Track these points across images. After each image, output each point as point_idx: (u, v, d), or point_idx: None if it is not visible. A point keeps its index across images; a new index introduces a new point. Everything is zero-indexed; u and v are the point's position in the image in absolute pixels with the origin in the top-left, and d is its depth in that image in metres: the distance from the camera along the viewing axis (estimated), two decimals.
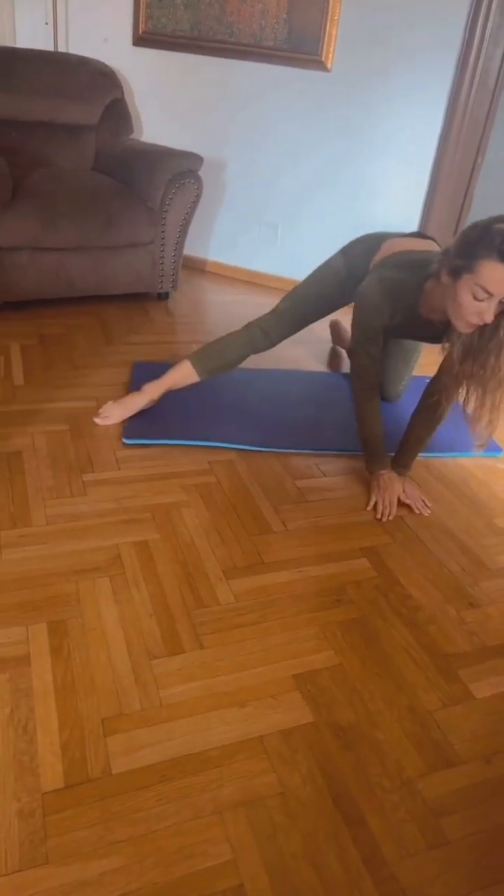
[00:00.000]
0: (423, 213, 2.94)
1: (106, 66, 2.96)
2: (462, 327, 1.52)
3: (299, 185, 3.09)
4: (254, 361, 2.45)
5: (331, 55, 2.79)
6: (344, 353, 2.63)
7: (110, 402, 2.00)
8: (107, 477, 1.75)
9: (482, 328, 1.51)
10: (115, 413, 1.97)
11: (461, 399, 1.64)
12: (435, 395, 1.72)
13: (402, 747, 1.17)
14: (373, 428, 1.82)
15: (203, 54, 2.98)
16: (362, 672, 1.31)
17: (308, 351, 2.66)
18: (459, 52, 2.63)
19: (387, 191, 2.96)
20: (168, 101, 3.12)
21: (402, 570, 1.59)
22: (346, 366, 2.57)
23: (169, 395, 2.02)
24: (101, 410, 1.98)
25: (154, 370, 2.12)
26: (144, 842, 0.99)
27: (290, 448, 1.99)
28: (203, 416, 2.06)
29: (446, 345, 1.62)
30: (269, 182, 3.14)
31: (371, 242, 1.93)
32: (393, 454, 1.88)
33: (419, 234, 1.96)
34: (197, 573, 1.49)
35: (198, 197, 2.74)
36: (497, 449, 2.11)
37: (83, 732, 1.12)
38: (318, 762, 1.13)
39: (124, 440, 1.90)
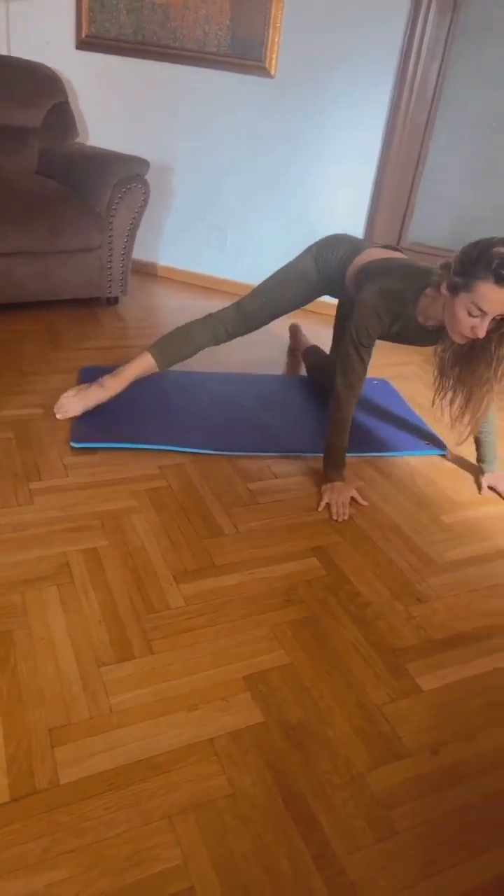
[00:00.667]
0: (368, 218, 2.99)
1: (48, 69, 2.92)
2: (457, 338, 1.60)
3: (247, 190, 3.11)
4: (205, 365, 2.46)
5: (274, 61, 2.83)
6: (300, 356, 2.66)
7: (70, 393, 1.99)
8: (54, 484, 1.73)
9: (475, 341, 1.58)
10: (73, 407, 1.97)
11: (447, 399, 1.73)
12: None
13: (352, 743, 1.19)
14: (344, 433, 1.85)
15: (147, 59, 2.98)
16: (312, 670, 1.32)
17: (260, 353, 2.68)
18: (398, 64, 2.70)
19: (333, 196, 3.01)
20: (114, 105, 3.11)
21: (352, 569, 1.62)
22: (301, 368, 2.59)
23: (118, 398, 2.01)
24: (59, 403, 1.97)
25: (102, 375, 2.11)
26: (92, 851, 0.97)
27: (242, 451, 2.00)
28: (153, 420, 2.06)
29: (439, 349, 1.70)
30: (217, 187, 3.15)
31: (346, 248, 1.96)
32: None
33: (390, 247, 2.00)
34: (147, 578, 1.49)
35: (145, 201, 2.73)
36: (442, 447, 2.17)
37: (30, 744, 1.10)
38: (269, 762, 1.14)
39: (72, 444, 1.88)
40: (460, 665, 1.39)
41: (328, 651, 1.37)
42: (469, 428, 1.74)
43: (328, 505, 1.81)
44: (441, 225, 3.02)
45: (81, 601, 1.40)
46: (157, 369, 2.01)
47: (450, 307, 1.57)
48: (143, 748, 1.13)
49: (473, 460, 2.09)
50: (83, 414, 1.99)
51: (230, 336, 2.05)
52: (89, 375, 2.17)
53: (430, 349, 1.84)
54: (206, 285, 3.32)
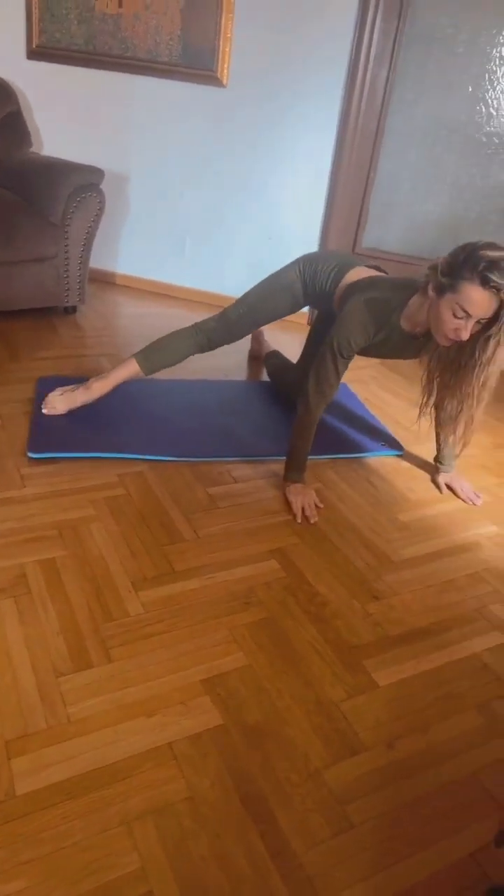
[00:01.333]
0: (323, 224, 3.04)
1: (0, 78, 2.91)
2: (441, 340, 1.62)
3: (204, 198, 3.14)
4: (164, 373, 2.46)
5: (226, 71, 2.86)
6: (261, 360, 2.68)
7: (57, 392, 2.05)
8: (10, 496, 1.71)
9: (462, 346, 1.61)
10: (59, 405, 2.04)
11: (436, 407, 1.77)
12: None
13: (309, 740, 1.21)
14: (309, 438, 1.87)
15: (100, 69, 2.98)
16: (270, 671, 1.34)
17: (216, 361, 2.69)
18: (347, 72, 2.75)
19: (288, 203, 3.05)
20: (67, 114, 3.10)
21: (310, 569, 1.64)
22: (263, 374, 2.62)
23: (77, 408, 2.01)
24: (46, 399, 2.04)
25: (60, 385, 2.10)
26: (50, 861, 0.97)
27: (202, 457, 2.02)
28: (112, 428, 2.06)
29: (426, 359, 1.72)
30: (174, 195, 3.16)
31: (336, 263, 1.96)
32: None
33: (377, 268, 2.00)
34: (106, 587, 1.49)
35: (101, 210, 2.73)
36: (399, 448, 2.21)
37: None
38: (227, 763, 1.15)
39: (29, 454, 1.87)
40: (416, 660, 1.42)
41: (286, 651, 1.39)
42: (463, 439, 1.73)
43: (296, 507, 1.83)
44: (394, 230, 3.08)
45: (39, 612, 1.39)
46: (142, 375, 2.05)
47: (435, 308, 1.59)
48: (100, 756, 1.13)
49: (430, 460, 2.14)
50: (40, 424, 1.99)
51: (213, 344, 2.08)
52: (46, 386, 2.17)
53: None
54: (165, 293, 3.33)
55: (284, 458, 1.92)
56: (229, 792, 1.10)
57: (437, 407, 1.79)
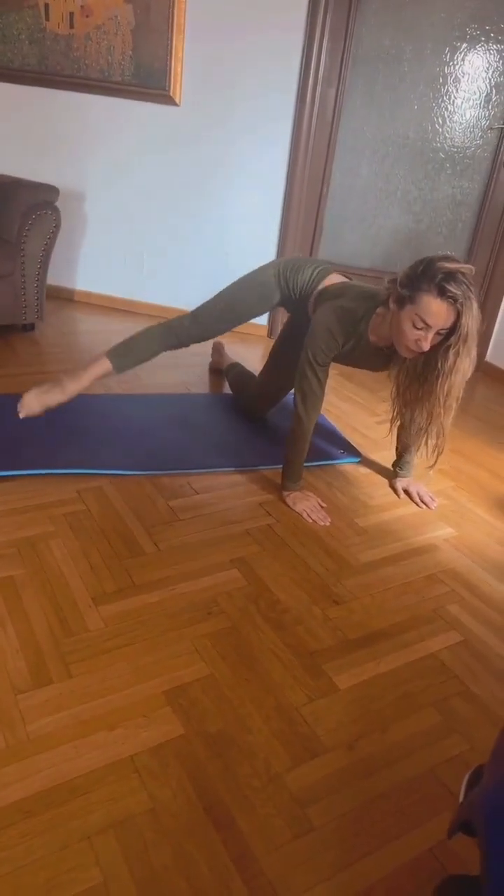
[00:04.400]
0: (279, 239, 3.09)
1: None
2: (403, 352, 1.67)
3: (160, 214, 3.17)
4: (125, 388, 2.48)
5: (178, 90, 2.90)
6: (221, 372, 2.71)
7: (32, 391, 1.96)
8: None
9: (427, 358, 1.65)
10: (33, 406, 1.96)
11: (406, 420, 1.81)
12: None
13: (270, 746, 1.22)
14: (304, 450, 1.91)
15: (53, 88, 3.00)
16: (232, 679, 1.35)
17: (179, 375, 2.71)
18: (297, 91, 2.82)
19: (244, 219, 3.10)
20: (22, 134, 3.11)
21: (271, 577, 1.66)
22: (225, 386, 2.64)
23: (31, 424, 2.00)
24: (21, 403, 1.96)
25: (16, 403, 2.09)
26: (8, 881, 0.96)
27: (162, 469, 2.02)
28: (70, 444, 2.05)
29: (394, 372, 1.77)
30: (130, 212, 3.19)
31: (315, 268, 1.99)
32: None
33: (346, 275, 2.05)
34: (65, 603, 1.48)
35: (56, 228, 2.74)
36: (357, 455, 2.25)
37: None
38: (189, 773, 1.15)
39: None
40: (375, 661, 1.44)
41: (248, 659, 1.40)
42: (437, 449, 1.76)
43: (306, 513, 1.89)
44: (349, 243, 3.15)
45: None
46: (114, 373, 2.04)
47: (396, 320, 1.64)
48: (60, 772, 1.12)
49: (388, 466, 2.18)
50: None
51: (183, 343, 2.07)
52: (2, 404, 2.15)
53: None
54: (124, 308, 3.34)
55: (244, 468, 1.95)
56: (191, 801, 1.11)
57: (406, 418, 1.83)
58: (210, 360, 2.84)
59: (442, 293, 1.52)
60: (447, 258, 1.55)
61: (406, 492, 2.08)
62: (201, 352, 2.84)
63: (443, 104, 2.86)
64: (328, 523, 1.88)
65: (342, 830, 1.10)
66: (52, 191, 2.72)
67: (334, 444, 2.31)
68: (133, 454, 2.06)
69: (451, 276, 1.52)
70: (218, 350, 2.79)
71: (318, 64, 2.78)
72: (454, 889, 0.90)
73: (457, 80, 2.82)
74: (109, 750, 1.17)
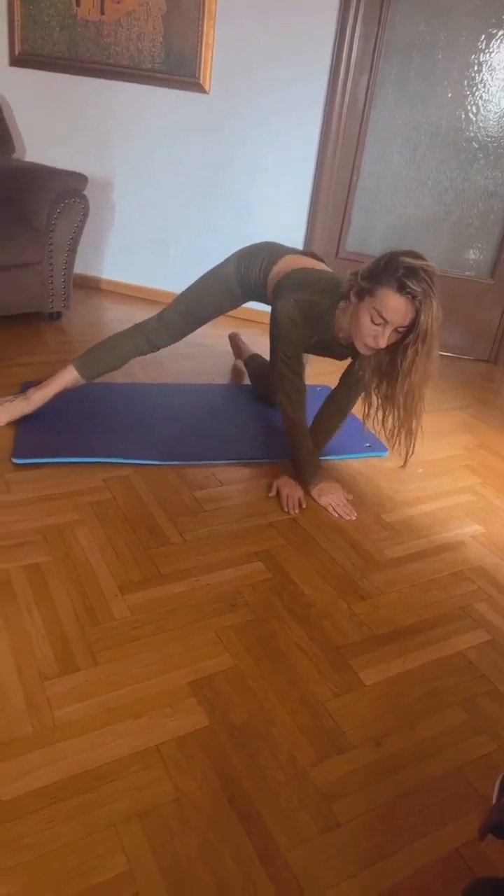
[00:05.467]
0: (307, 229, 3.06)
1: None
2: (361, 348, 1.62)
3: (188, 203, 3.15)
4: (150, 376, 2.48)
5: (208, 78, 2.88)
6: (241, 364, 2.70)
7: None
8: None
9: (393, 355, 1.60)
10: (1, 417, 1.98)
11: (379, 418, 1.76)
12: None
13: (295, 739, 1.21)
14: (305, 444, 1.88)
15: (82, 75, 2.99)
16: (257, 672, 1.34)
17: (202, 363, 2.70)
18: (329, 79, 2.78)
19: (272, 208, 3.07)
20: (51, 121, 3.11)
21: (296, 570, 1.65)
22: (247, 378, 2.63)
23: (61, 412, 2.01)
24: None
25: None
26: (35, 866, 0.97)
27: (187, 460, 2.02)
28: (97, 433, 2.06)
29: (361, 370, 1.73)
30: (158, 200, 3.18)
31: (266, 255, 1.95)
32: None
33: (311, 254, 2.01)
34: (91, 591, 1.48)
35: (84, 216, 2.74)
36: (383, 449, 2.22)
37: None
38: (214, 764, 1.15)
39: (15, 460, 1.86)
40: (401, 658, 1.43)
41: (273, 652, 1.40)
42: (408, 446, 1.73)
43: (332, 507, 1.86)
44: (377, 233, 3.11)
45: (24, 617, 1.39)
46: (82, 381, 2.00)
47: (355, 313, 1.60)
48: (87, 759, 1.12)
49: (415, 461, 2.15)
50: (25, 429, 1.98)
51: (153, 346, 2.03)
52: None
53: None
54: (150, 298, 3.33)
55: (268, 460, 1.93)
56: (216, 793, 1.11)
57: (385, 421, 1.78)
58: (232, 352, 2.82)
59: (401, 288, 1.47)
60: (412, 254, 1.51)
61: (277, 491, 1.95)
62: (226, 341, 2.83)
63: (477, 93, 2.80)
64: (354, 517, 1.86)
65: (368, 827, 1.09)
66: (81, 179, 2.72)
67: (360, 437, 2.28)
68: (158, 444, 2.06)
69: (412, 271, 1.47)
70: (235, 342, 2.77)
71: (351, 51, 2.73)
72: (484, 891, 0.89)
73: (492, 69, 2.76)
74: (135, 739, 1.17)
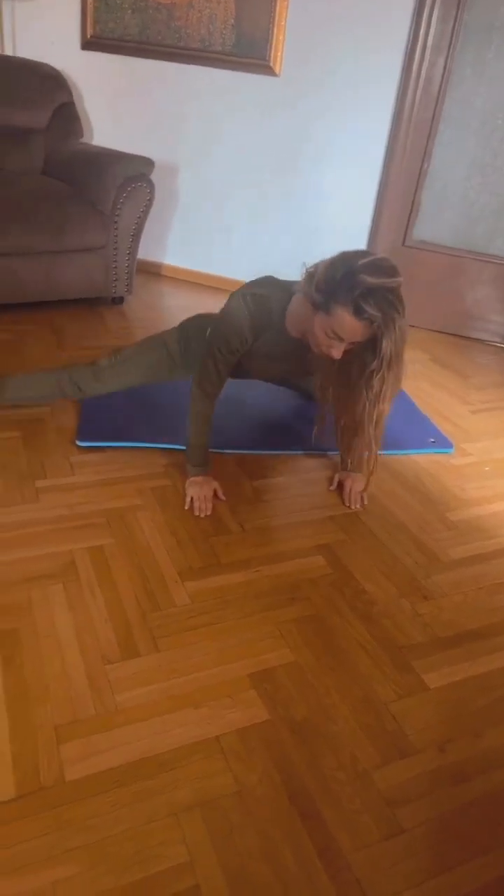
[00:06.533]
0: (373, 216, 2.99)
1: (54, 69, 2.93)
2: (316, 351, 1.52)
3: (253, 189, 3.11)
4: None
5: (279, 60, 2.82)
6: None
7: None
8: (60, 483, 1.73)
9: (348, 367, 1.51)
10: None
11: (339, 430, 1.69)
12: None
13: (357, 740, 1.19)
14: (200, 431, 1.73)
15: (152, 58, 2.98)
16: (317, 668, 1.32)
17: None
18: (403, 60, 2.69)
19: (337, 194, 3.01)
20: (118, 105, 3.11)
21: (357, 566, 1.61)
22: None
23: (125, 398, 2.01)
24: None
25: None
26: (98, 848, 0.97)
27: (247, 449, 2.00)
28: (159, 418, 2.06)
29: (317, 380, 1.64)
30: (222, 185, 3.15)
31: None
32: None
33: None
34: (153, 577, 1.49)
35: (150, 201, 2.73)
36: (449, 445, 2.16)
37: (36, 741, 1.11)
38: (274, 759, 1.14)
39: (78, 442, 1.88)
40: (467, 662, 1.38)
41: (333, 649, 1.37)
42: (367, 469, 1.65)
43: (192, 500, 1.72)
44: (447, 222, 3.00)
45: (87, 599, 1.40)
46: None
47: (310, 322, 1.47)
48: (148, 746, 1.13)
49: (483, 458, 2.08)
50: (88, 413, 2.00)
51: (81, 392, 1.87)
52: None
53: None
54: (212, 285, 3.32)
55: (328, 452, 1.89)
56: (277, 788, 1.09)
57: (343, 434, 1.70)
58: None
59: (358, 312, 1.32)
60: (372, 267, 1.32)
61: (340, 483, 1.88)
62: None
63: None
64: (204, 515, 1.70)
65: (432, 836, 1.05)
66: (147, 163, 2.71)
67: (424, 432, 2.22)
68: (219, 432, 2.04)
69: (370, 292, 1.30)
70: None
71: (428, 31, 2.63)
72: None
73: None
74: (195, 728, 1.17)
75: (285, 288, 1.60)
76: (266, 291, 1.58)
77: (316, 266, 1.42)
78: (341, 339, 1.41)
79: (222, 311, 1.62)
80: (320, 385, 1.68)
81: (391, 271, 1.34)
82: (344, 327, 1.37)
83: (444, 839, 1.05)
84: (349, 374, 1.55)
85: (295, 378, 1.79)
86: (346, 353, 1.46)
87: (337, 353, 1.44)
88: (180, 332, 1.87)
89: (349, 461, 1.86)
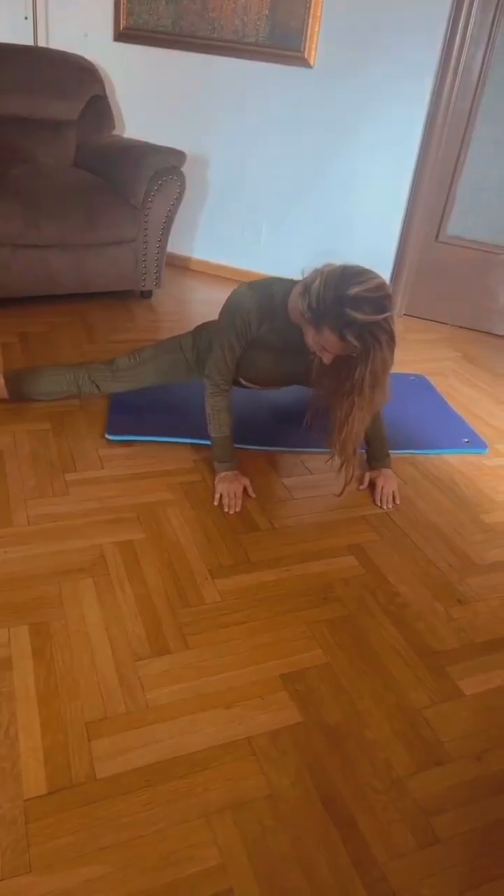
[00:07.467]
0: (406, 210, 2.93)
1: (87, 61, 2.92)
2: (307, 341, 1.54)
3: (283, 182, 3.07)
4: None
5: (313, 52, 2.78)
6: None
7: None
8: (90, 476, 1.72)
9: (340, 372, 1.50)
10: None
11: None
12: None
13: (392, 746, 1.16)
14: (220, 426, 1.76)
15: (185, 50, 2.95)
16: (350, 671, 1.29)
17: None
18: (442, 50, 2.63)
19: (371, 188, 2.96)
20: (150, 97, 3.09)
21: (390, 568, 1.58)
22: None
23: (154, 392, 2.00)
24: None
25: None
26: (130, 848, 0.96)
27: (276, 446, 1.98)
28: (189, 413, 2.03)
29: (315, 371, 1.62)
30: (253, 179, 3.12)
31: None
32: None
33: None
34: (182, 573, 1.47)
35: (181, 194, 2.71)
36: (483, 446, 2.11)
37: (67, 737, 1.10)
38: (307, 763, 1.11)
39: (108, 436, 1.87)
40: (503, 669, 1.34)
41: (366, 651, 1.34)
42: (342, 455, 1.63)
43: (220, 497, 1.70)
44: (483, 217, 2.94)
45: (117, 594, 1.39)
46: (6, 395, 1.91)
47: (304, 323, 1.50)
48: (179, 745, 1.11)
49: None
50: (118, 407, 1.99)
51: (98, 388, 1.90)
52: None
53: None
54: (240, 279, 3.28)
55: (360, 450, 1.85)
56: (310, 793, 1.07)
57: (332, 425, 1.65)
58: None
59: (342, 339, 1.37)
60: (361, 301, 1.32)
61: (371, 483, 1.86)
62: None
63: None
64: (233, 512, 1.68)
65: (469, 847, 1.03)
66: (179, 155, 2.70)
67: (458, 432, 2.17)
68: (249, 429, 2.02)
69: (354, 325, 1.33)
70: None
71: (468, 22, 2.57)
72: None
73: None
74: (227, 729, 1.15)
75: (283, 280, 1.65)
76: (269, 279, 1.66)
77: (313, 277, 1.42)
78: (328, 351, 1.47)
79: (226, 302, 1.67)
80: (315, 370, 1.64)
81: (379, 306, 1.34)
82: (331, 344, 1.43)
83: (482, 851, 1.03)
84: (339, 373, 1.53)
85: (304, 378, 1.78)
86: (336, 357, 1.49)
87: (327, 358, 1.49)
88: (193, 339, 1.89)
89: (335, 454, 1.76)
